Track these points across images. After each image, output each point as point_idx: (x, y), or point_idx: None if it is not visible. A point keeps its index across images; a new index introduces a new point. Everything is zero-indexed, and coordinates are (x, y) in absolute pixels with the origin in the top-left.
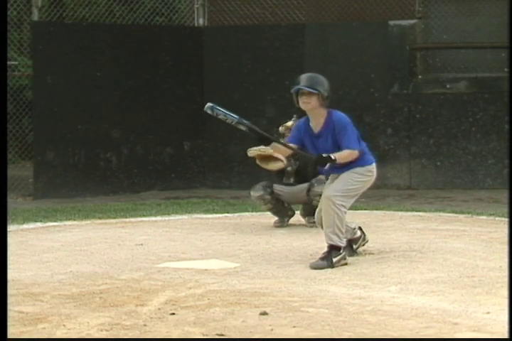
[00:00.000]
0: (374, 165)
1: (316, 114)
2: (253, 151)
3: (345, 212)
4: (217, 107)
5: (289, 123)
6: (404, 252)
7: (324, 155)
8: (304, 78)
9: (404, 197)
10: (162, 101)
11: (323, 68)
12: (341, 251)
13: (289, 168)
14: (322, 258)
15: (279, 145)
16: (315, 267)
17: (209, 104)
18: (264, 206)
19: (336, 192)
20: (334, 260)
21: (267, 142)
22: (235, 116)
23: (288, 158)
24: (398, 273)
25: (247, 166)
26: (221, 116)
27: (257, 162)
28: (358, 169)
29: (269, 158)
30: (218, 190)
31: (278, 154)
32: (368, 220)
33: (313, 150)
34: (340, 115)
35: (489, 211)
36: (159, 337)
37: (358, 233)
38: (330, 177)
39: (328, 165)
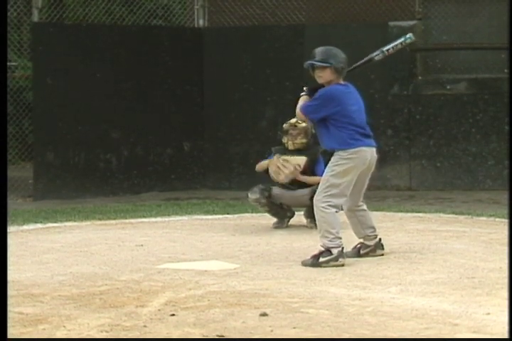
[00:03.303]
0: (361, 148)
1: (329, 84)
2: (262, 164)
3: (336, 211)
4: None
5: (293, 120)
6: (405, 253)
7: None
8: (317, 52)
9: (404, 198)
10: (162, 102)
11: None
12: (333, 251)
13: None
14: (312, 256)
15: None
16: (304, 264)
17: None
18: (261, 208)
19: (318, 195)
20: (321, 260)
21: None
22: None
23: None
24: (398, 274)
25: (247, 167)
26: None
27: (271, 171)
28: (334, 158)
29: (279, 168)
30: (218, 191)
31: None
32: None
33: None
34: (329, 87)
35: (489, 212)
36: (159, 337)
37: (373, 243)
38: None
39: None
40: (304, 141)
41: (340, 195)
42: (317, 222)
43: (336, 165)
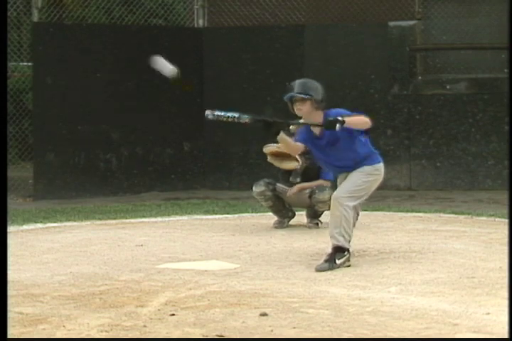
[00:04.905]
0: (381, 164)
1: (313, 118)
2: (270, 147)
3: (358, 213)
4: (216, 111)
5: (301, 121)
6: (404, 253)
7: (331, 118)
8: (296, 84)
9: (404, 198)
10: (162, 102)
11: (322, 69)
12: (346, 252)
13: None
14: (326, 261)
15: (287, 139)
16: (319, 270)
17: (207, 112)
18: (265, 203)
19: (343, 193)
20: (338, 262)
21: (277, 127)
22: (235, 114)
23: (301, 154)
24: (398, 274)
25: (247, 167)
26: (223, 118)
27: (270, 159)
28: (366, 168)
29: (284, 157)
30: (218, 191)
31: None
32: (368, 221)
33: (321, 152)
34: (334, 110)
35: (489, 212)
36: (159, 337)
37: None
38: (339, 178)
39: (338, 126)
40: None
41: (359, 202)
42: (335, 218)
43: (372, 174)
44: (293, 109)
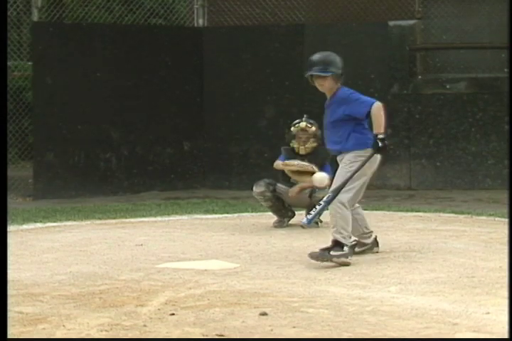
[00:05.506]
0: (368, 149)
1: (331, 91)
2: (292, 167)
3: (359, 206)
4: (311, 218)
5: (303, 124)
6: (404, 252)
7: (378, 144)
8: (315, 61)
9: (404, 197)
10: (162, 102)
11: None
12: (344, 248)
13: None
14: (321, 249)
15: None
16: (311, 256)
17: (304, 221)
18: (265, 203)
19: (337, 191)
20: (333, 253)
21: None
22: (325, 206)
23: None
24: (398, 273)
25: (247, 167)
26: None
27: (288, 173)
28: (348, 157)
29: (303, 172)
30: (218, 191)
31: (315, 169)
32: (368, 220)
33: (326, 119)
34: (343, 90)
35: (489, 211)
36: (159, 337)
37: (369, 241)
38: (338, 160)
39: (386, 143)
40: (315, 145)
41: (359, 193)
42: (332, 217)
43: (357, 161)
44: (313, 82)
